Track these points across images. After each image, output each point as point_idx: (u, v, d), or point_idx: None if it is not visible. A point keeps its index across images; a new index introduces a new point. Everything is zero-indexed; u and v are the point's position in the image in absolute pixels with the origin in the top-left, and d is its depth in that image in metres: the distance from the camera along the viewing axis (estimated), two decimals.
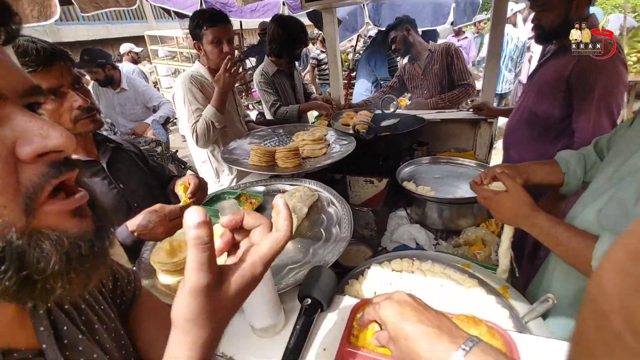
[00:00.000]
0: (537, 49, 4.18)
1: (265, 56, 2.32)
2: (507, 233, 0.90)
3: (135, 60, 5.30)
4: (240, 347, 0.65)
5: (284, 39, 2.17)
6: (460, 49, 2.98)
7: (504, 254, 0.90)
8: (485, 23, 6.33)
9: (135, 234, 0.87)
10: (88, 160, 1.01)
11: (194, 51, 5.90)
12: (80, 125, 0.92)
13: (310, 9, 2.82)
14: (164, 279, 0.81)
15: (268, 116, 2.38)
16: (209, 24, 1.60)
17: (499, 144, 2.27)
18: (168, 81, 7.36)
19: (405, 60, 2.58)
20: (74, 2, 1.80)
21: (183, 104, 1.67)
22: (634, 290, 0.19)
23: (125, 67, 4.85)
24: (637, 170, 0.68)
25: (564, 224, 0.74)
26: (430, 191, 1.29)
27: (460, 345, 0.40)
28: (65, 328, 0.42)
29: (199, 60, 1.78)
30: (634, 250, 0.20)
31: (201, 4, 4.22)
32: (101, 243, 0.34)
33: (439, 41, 3.65)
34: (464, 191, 1.28)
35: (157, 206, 0.90)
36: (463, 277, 0.85)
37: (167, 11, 4.42)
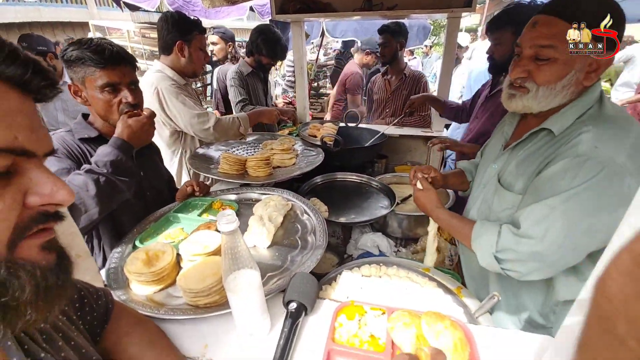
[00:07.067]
0: None
1: (241, 58, 2.46)
2: (432, 225, 1.09)
3: None
4: (228, 352, 0.66)
5: (264, 50, 2.25)
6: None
7: (431, 242, 1.09)
8: (431, 47, 6.97)
9: (125, 137, 0.98)
10: None
11: (148, 47, 5.53)
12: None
13: (281, 20, 2.86)
14: (140, 289, 0.78)
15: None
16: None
17: (453, 155, 2.53)
18: None
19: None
20: None
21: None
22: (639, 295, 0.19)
23: None
24: (491, 177, 0.99)
25: (457, 216, 1.00)
26: (325, 212, 1.31)
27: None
28: (26, 347, 0.42)
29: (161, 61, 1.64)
30: None
31: None
32: (64, 275, 0.39)
33: None
34: (358, 212, 1.38)
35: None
36: (424, 280, 0.96)
37: (116, 0, 4.12)
